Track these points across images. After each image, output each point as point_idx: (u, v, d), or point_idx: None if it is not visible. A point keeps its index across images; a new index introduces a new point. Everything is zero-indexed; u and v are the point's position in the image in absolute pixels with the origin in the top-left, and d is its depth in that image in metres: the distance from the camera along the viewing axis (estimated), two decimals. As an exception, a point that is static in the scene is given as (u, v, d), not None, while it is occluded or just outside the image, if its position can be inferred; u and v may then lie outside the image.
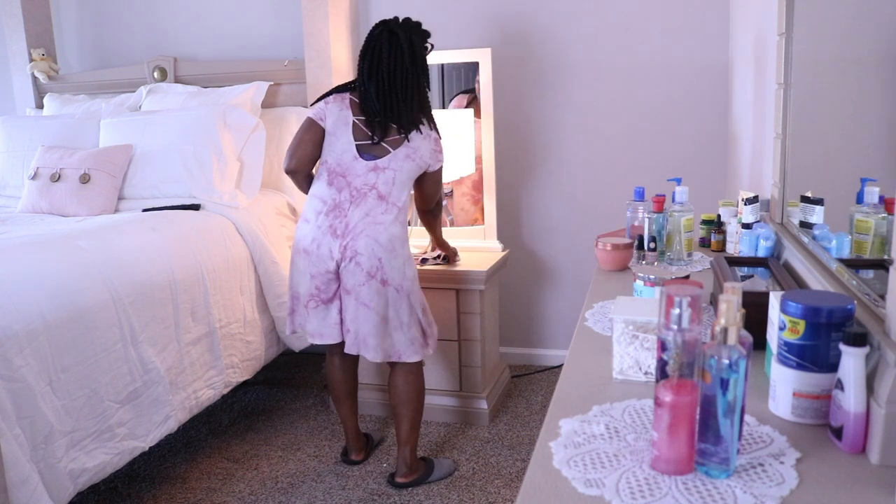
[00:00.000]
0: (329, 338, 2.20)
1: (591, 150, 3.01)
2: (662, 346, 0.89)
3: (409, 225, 2.83)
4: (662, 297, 0.88)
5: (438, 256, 2.69)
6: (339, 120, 2.12)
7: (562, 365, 1.27)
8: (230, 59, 3.35)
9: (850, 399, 0.89)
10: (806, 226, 1.48)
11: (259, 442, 2.64)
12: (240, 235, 2.57)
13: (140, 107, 3.14)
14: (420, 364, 2.28)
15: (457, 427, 2.69)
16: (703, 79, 2.83)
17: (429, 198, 2.31)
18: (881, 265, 1.10)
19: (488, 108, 2.84)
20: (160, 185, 2.75)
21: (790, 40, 1.63)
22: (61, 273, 1.88)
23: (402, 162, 2.11)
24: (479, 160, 2.88)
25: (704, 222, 2.16)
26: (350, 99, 2.14)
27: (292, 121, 2.98)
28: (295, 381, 3.19)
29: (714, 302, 1.51)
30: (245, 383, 3.03)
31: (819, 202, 1.47)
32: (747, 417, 1.00)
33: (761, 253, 1.64)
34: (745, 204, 1.82)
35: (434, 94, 2.97)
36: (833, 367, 0.95)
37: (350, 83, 2.19)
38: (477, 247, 2.88)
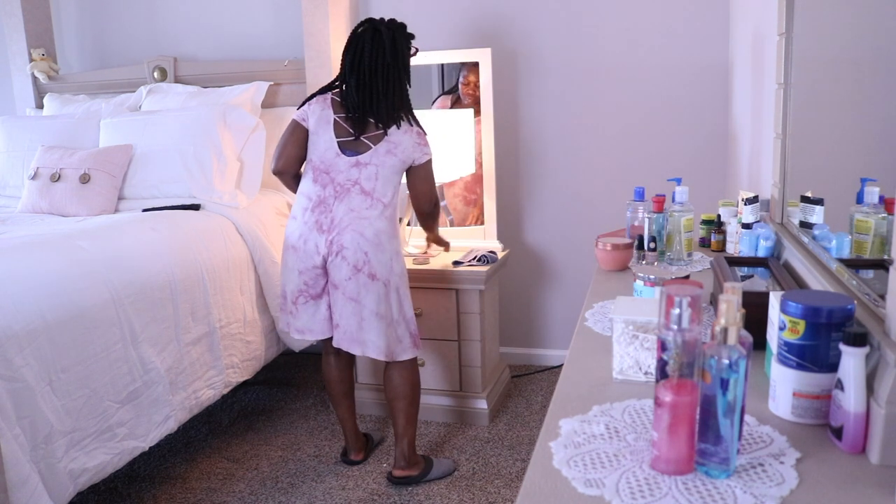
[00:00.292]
0: (319, 333, 2.22)
1: (591, 150, 3.01)
2: (662, 346, 0.89)
3: (409, 225, 2.84)
4: (662, 297, 0.88)
5: (475, 258, 2.68)
6: (321, 119, 2.15)
7: (562, 365, 1.27)
8: (230, 59, 3.35)
9: (850, 399, 0.89)
10: (806, 226, 1.48)
11: (259, 442, 2.64)
12: (240, 235, 2.57)
13: (140, 107, 3.14)
14: (414, 358, 2.28)
15: (457, 427, 2.69)
16: (703, 79, 2.83)
17: (422, 196, 2.25)
18: (881, 265, 1.10)
19: (488, 108, 2.85)
20: (160, 185, 2.75)
21: (790, 40, 1.63)
22: (61, 273, 1.88)
23: (384, 157, 2.12)
24: (478, 159, 2.89)
25: (704, 222, 2.16)
26: (332, 98, 2.18)
27: (292, 121, 2.98)
28: (295, 381, 3.19)
29: (714, 302, 1.51)
30: (245, 383, 3.03)
31: (819, 202, 1.47)
32: (747, 417, 1.00)
33: (761, 253, 1.64)
34: (745, 204, 1.82)
35: (435, 94, 2.97)
36: (833, 367, 0.95)
37: (333, 82, 2.21)
38: (477, 247, 2.88)
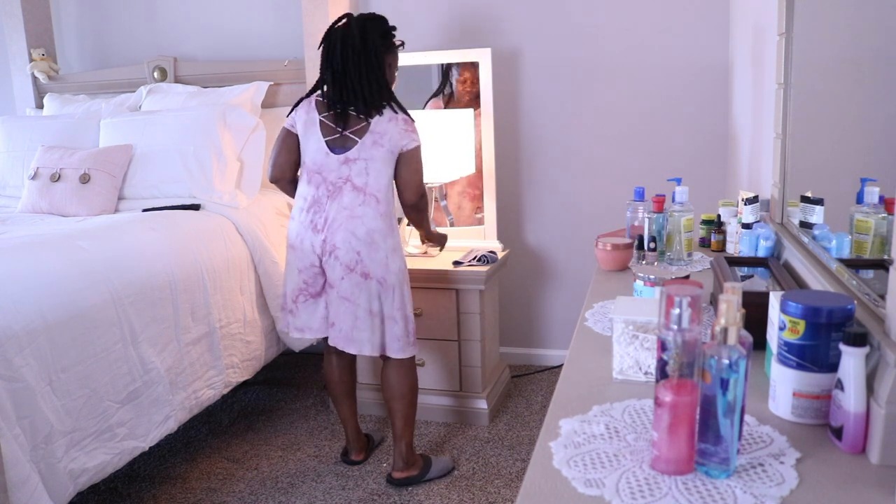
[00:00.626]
0: (317, 331, 2.23)
1: (591, 150, 3.01)
2: (662, 346, 0.89)
3: (409, 225, 2.83)
4: (662, 297, 0.88)
5: (475, 258, 2.66)
6: (308, 122, 2.15)
7: (562, 365, 1.27)
8: (230, 59, 3.35)
9: (850, 399, 0.89)
10: (806, 226, 1.48)
11: (259, 442, 2.64)
12: (240, 235, 2.57)
13: (140, 107, 3.14)
14: (412, 359, 2.27)
15: (456, 427, 2.69)
16: (703, 79, 2.83)
17: (407, 185, 2.17)
18: (881, 265, 1.10)
19: (488, 108, 2.84)
20: (160, 185, 2.75)
21: (790, 40, 1.63)
22: (61, 273, 1.88)
23: (371, 150, 2.10)
24: (478, 157, 2.89)
25: (704, 222, 2.16)
26: (315, 100, 2.18)
27: (292, 121, 2.98)
28: (295, 381, 3.19)
29: (714, 302, 1.51)
30: (245, 383, 3.03)
31: (819, 202, 1.47)
32: (747, 417, 1.00)
33: (761, 253, 1.64)
34: (745, 204, 1.82)
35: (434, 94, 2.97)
36: (833, 367, 0.95)
37: (316, 84, 2.20)
38: (477, 247, 2.88)
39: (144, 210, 2.62)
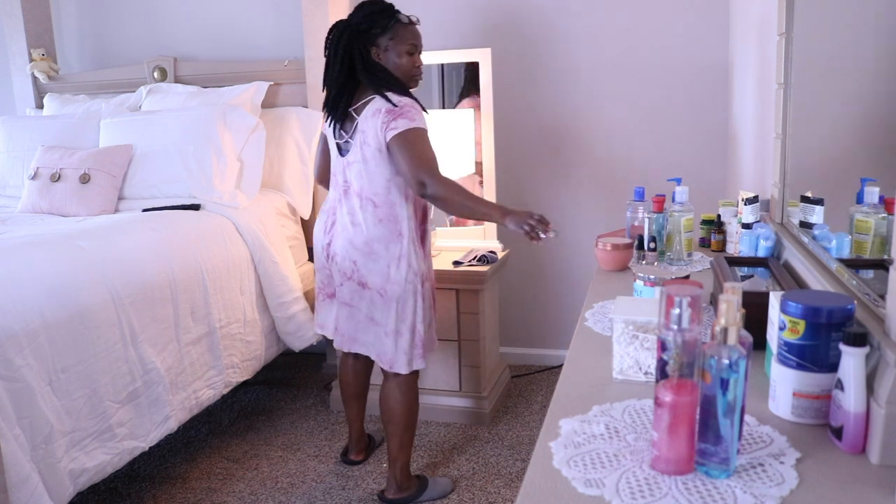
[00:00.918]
0: (331, 331, 2.25)
1: (591, 150, 3.01)
2: (662, 346, 0.89)
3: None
4: (662, 297, 0.88)
5: (475, 258, 2.66)
6: (327, 127, 2.15)
7: (562, 365, 1.27)
8: (230, 59, 3.35)
9: (850, 399, 0.89)
10: (806, 226, 1.48)
11: (259, 442, 2.64)
12: (240, 235, 2.57)
13: (140, 107, 3.14)
14: (414, 376, 2.15)
15: (456, 427, 2.69)
16: (703, 79, 2.83)
17: (405, 176, 1.93)
18: (881, 265, 1.10)
19: (488, 108, 2.84)
20: (160, 185, 2.75)
21: (790, 40, 1.63)
22: (61, 273, 1.88)
23: (360, 150, 2.01)
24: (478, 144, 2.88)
25: (704, 222, 2.16)
26: None
27: (292, 121, 2.98)
28: (295, 381, 3.19)
29: (714, 302, 1.51)
30: (245, 383, 3.03)
31: (819, 202, 1.47)
32: (747, 417, 1.00)
33: (761, 253, 1.64)
34: (745, 204, 1.82)
35: (433, 94, 2.97)
36: (833, 367, 0.95)
37: None
38: (477, 247, 2.88)
39: (144, 210, 2.62)
